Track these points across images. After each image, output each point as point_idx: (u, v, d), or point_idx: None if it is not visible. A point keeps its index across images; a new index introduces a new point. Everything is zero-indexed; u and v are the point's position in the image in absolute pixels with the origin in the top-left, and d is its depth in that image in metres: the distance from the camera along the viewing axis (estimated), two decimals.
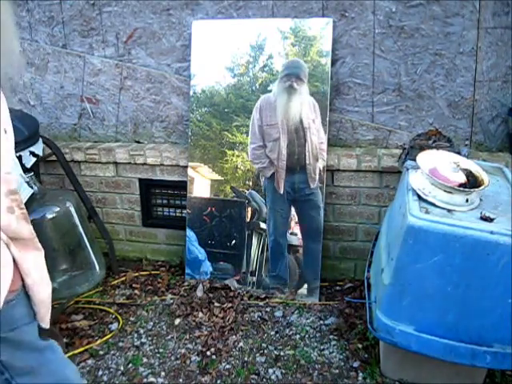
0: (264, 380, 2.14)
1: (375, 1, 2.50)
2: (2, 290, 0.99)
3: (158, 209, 3.08)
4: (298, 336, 2.40)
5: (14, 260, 1.04)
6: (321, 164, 2.63)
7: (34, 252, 1.08)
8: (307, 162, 2.63)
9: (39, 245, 1.09)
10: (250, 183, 2.77)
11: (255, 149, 2.71)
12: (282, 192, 2.68)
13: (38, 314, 1.13)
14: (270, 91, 2.69)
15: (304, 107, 2.61)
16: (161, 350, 2.35)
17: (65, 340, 2.38)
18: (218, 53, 2.74)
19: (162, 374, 2.20)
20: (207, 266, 2.82)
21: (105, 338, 2.43)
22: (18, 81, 3.09)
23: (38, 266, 1.09)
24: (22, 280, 1.07)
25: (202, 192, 2.84)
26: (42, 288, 1.10)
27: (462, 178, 1.85)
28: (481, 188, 1.80)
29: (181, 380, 2.16)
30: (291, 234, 2.72)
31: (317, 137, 2.61)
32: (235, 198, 2.79)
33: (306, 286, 2.69)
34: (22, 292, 1.06)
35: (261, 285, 2.74)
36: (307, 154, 2.62)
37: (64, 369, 1.22)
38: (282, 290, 2.72)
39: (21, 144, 2.34)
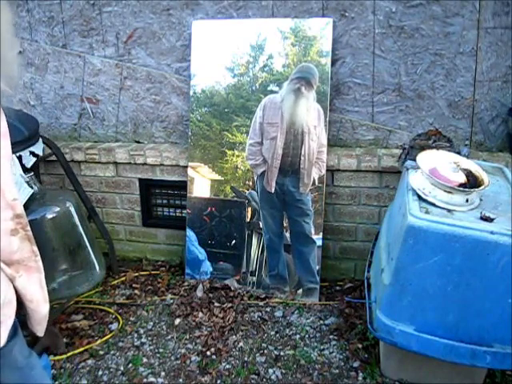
0: (264, 380, 2.14)
1: (375, 1, 2.50)
2: (3, 330, 1.05)
3: (158, 209, 3.08)
4: (297, 336, 2.40)
5: (18, 291, 1.08)
6: (316, 174, 2.63)
7: (37, 274, 1.13)
8: (301, 165, 2.63)
9: (40, 264, 1.14)
10: (250, 183, 2.77)
11: (252, 145, 2.72)
12: (272, 191, 2.69)
13: (38, 330, 1.19)
14: (270, 91, 2.69)
15: (309, 112, 2.61)
16: (161, 350, 2.35)
17: (65, 340, 2.38)
18: (218, 53, 2.74)
19: (162, 373, 2.20)
20: (207, 266, 2.83)
21: (105, 338, 2.43)
22: (17, 81, 3.09)
23: (41, 288, 1.14)
24: (21, 303, 1.10)
25: (202, 192, 2.84)
26: (42, 308, 1.16)
27: (462, 178, 1.85)
28: (481, 188, 1.80)
29: (181, 380, 2.16)
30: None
31: (316, 143, 2.61)
32: (235, 198, 2.80)
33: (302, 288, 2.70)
34: None
35: (261, 285, 2.74)
36: (302, 158, 2.63)
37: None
38: (283, 289, 2.72)
39: (21, 144, 2.34)
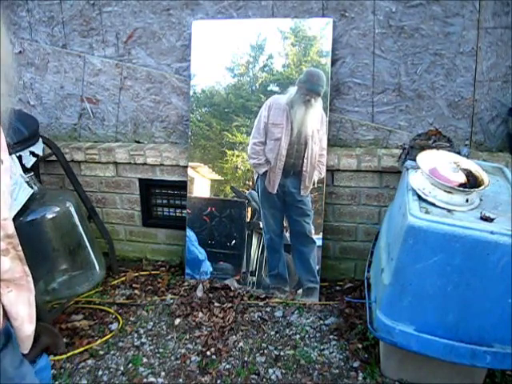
0: (264, 380, 2.14)
1: (375, 1, 2.50)
2: None
3: (158, 209, 3.08)
4: (297, 336, 2.40)
5: (4, 307, 1.09)
6: (317, 176, 2.63)
7: (27, 293, 1.13)
8: (304, 168, 2.63)
9: (31, 285, 1.14)
10: (250, 183, 2.77)
11: (256, 144, 2.72)
12: (274, 191, 2.69)
13: (22, 347, 1.19)
14: (270, 91, 2.69)
15: (313, 117, 2.61)
16: (161, 350, 2.35)
17: (65, 340, 2.38)
18: (217, 53, 2.74)
19: (162, 373, 2.20)
20: (207, 266, 2.83)
21: (105, 338, 2.43)
22: (17, 81, 3.09)
23: (28, 306, 1.14)
24: (8, 320, 1.12)
25: (202, 192, 2.84)
26: (27, 327, 1.15)
27: (462, 178, 1.85)
28: (481, 188, 1.80)
29: (181, 380, 2.16)
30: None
31: (318, 146, 2.62)
32: (235, 198, 2.79)
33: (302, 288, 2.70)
34: None
35: (261, 285, 2.74)
36: (305, 160, 2.63)
37: None
38: (283, 289, 2.72)
39: (21, 144, 2.34)
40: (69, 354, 2.31)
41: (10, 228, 1.06)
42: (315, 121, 2.62)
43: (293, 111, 2.63)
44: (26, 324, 1.13)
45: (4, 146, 1.04)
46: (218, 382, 2.14)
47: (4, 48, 1.01)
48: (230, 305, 2.61)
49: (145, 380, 2.17)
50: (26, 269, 1.11)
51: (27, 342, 1.17)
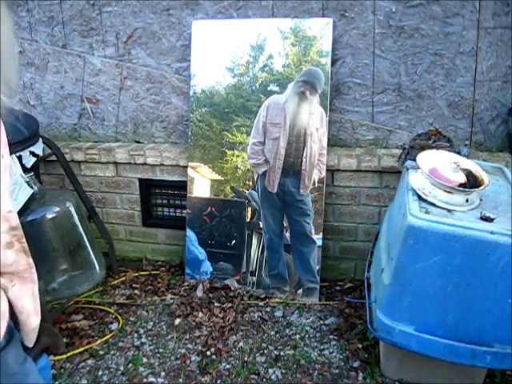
0: (264, 380, 2.14)
1: (375, 1, 2.50)
2: None
3: (158, 209, 3.08)
4: (298, 336, 2.40)
5: (10, 301, 1.08)
6: (317, 176, 2.63)
7: (30, 285, 1.13)
8: (303, 167, 2.63)
9: (35, 276, 1.14)
10: (250, 183, 2.77)
11: (255, 144, 2.72)
12: (274, 191, 2.69)
13: (27, 340, 1.19)
14: (270, 91, 2.69)
15: (312, 115, 2.61)
16: (161, 350, 2.35)
17: (65, 340, 2.38)
18: (217, 53, 2.74)
19: (162, 373, 2.20)
20: (207, 266, 2.83)
21: (105, 338, 2.43)
22: (17, 81, 3.09)
23: (33, 299, 1.14)
24: (13, 314, 1.12)
25: (202, 192, 2.84)
26: (33, 320, 1.15)
27: (462, 178, 1.85)
28: (481, 188, 1.80)
29: (181, 380, 2.16)
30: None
31: (317, 145, 2.62)
32: (235, 198, 2.79)
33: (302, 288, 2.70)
34: None
35: (261, 285, 2.74)
36: (304, 159, 2.63)
37: None
38: (283, 289, 2.72)
39: (21, 144, 2.34)
40: (69, 354, 2.31)
41: (14, 220, 1.05)
42: (315, 120, 2.61)
43: (287, 104, 2.63)
44: (32, 316, 1.13)
45: (4, 140, 1.04)
46: (218, 382, 2.14)
47: (4, 45, 1.00)
48: (229, 305, 2.61)
49: (145, 380, 2.17)
50: (31, 261, 1.10)
51: (32, 334, 1.17)
